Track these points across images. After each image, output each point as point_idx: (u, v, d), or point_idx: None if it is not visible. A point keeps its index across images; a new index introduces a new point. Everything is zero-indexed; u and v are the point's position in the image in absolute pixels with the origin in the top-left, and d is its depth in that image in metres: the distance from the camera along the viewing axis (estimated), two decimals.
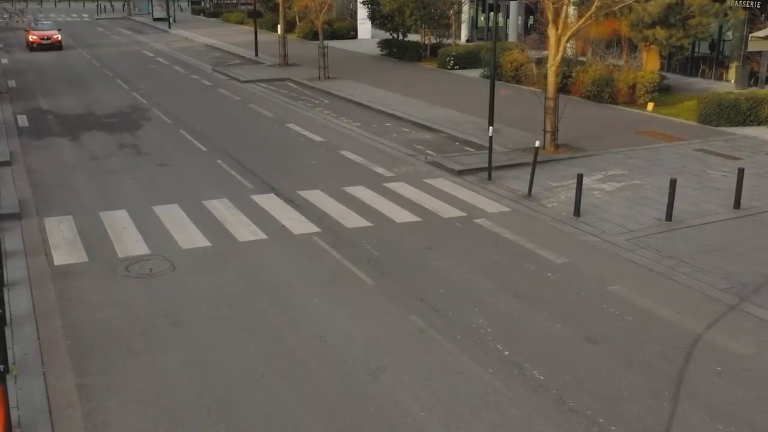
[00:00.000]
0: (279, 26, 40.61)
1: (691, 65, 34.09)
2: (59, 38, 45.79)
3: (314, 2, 36.23)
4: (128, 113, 27.57)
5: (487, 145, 19.24)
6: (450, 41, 42.01)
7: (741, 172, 16.89)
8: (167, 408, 9.49)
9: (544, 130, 21.29)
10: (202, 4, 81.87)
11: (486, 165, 19.12)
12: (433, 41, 41.96)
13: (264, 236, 15.18)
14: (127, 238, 15.01)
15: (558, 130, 21.39)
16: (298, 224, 15.84)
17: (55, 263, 13.82)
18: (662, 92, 28.38)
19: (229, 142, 22.91)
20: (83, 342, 11.05)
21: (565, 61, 26.54)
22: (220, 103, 29.82)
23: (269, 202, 17.24)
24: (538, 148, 17.99)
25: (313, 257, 14.18)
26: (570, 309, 12.16)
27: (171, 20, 62.50)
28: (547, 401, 9.69)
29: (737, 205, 16.80)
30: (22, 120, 26.02)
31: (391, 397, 9.73)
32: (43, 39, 44.84)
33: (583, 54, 33.02)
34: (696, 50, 33.70)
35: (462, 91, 31.48)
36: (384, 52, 43.09)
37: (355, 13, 52.50)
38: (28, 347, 10.82)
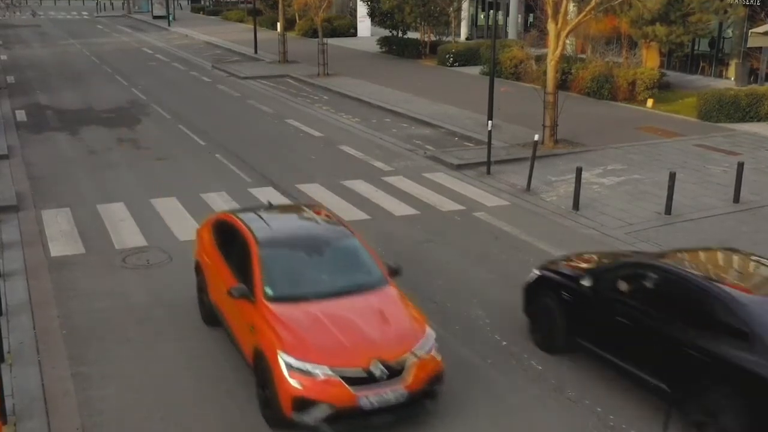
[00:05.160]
0: (279, 24, 40.58)
1: (691, 62, 34.04)
2: None
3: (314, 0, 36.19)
4: (127, 108, 27.52)
5: (486, 140, 19.19)
6: (450, 39, 41.96)
7: (741, 166, 16.85)
8: (163, 397, 9.44)
9: (544, 125, 21.23)
10: (202, 2, 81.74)
11: (485, 160, 19.07)
12: (433, 39, 41.94)
13: None
14: (125, 230, 14.95)
15: (557, 125, 21.34)
16: None
17: (52, 254, 13.76)
18: (662, 89, 28.34)
19: (227, 137, 22.85)
20: (79, 331, 11.00)
21: (565, 58, 26.51)
22: (219, 99, 29.77)
23: (268, 196, 17.13)
24: (537, 142, 17.95)
25: None
26: None
27: (171, 18, 62.42)
28: (546, 391, 9.64)
29: (737, 199, 16.76)
30: (21, 115, 25.95)
31: None
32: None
33: (583, 52, 32.97)
34: (696, 47, 33.65)
35: (461, 87, 31.42)
36: (384, 50, 43.03)
37: (355, 10, 52.43)
38: (23, 336, 10.76)
